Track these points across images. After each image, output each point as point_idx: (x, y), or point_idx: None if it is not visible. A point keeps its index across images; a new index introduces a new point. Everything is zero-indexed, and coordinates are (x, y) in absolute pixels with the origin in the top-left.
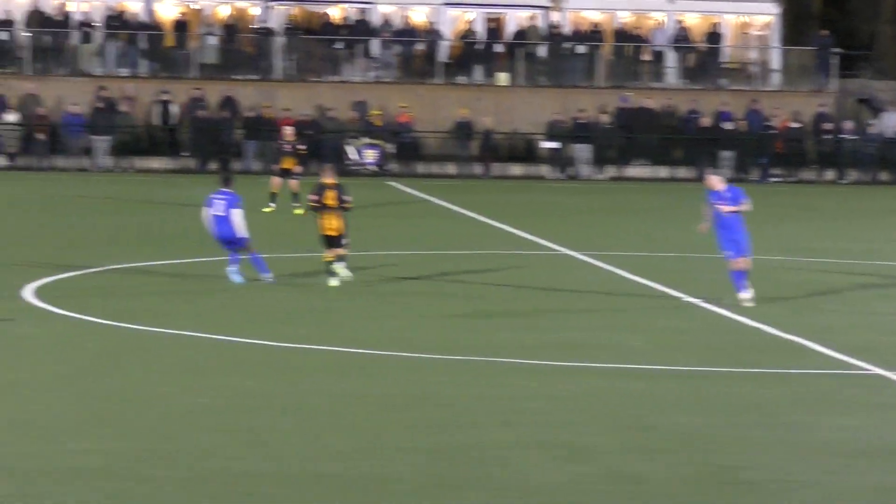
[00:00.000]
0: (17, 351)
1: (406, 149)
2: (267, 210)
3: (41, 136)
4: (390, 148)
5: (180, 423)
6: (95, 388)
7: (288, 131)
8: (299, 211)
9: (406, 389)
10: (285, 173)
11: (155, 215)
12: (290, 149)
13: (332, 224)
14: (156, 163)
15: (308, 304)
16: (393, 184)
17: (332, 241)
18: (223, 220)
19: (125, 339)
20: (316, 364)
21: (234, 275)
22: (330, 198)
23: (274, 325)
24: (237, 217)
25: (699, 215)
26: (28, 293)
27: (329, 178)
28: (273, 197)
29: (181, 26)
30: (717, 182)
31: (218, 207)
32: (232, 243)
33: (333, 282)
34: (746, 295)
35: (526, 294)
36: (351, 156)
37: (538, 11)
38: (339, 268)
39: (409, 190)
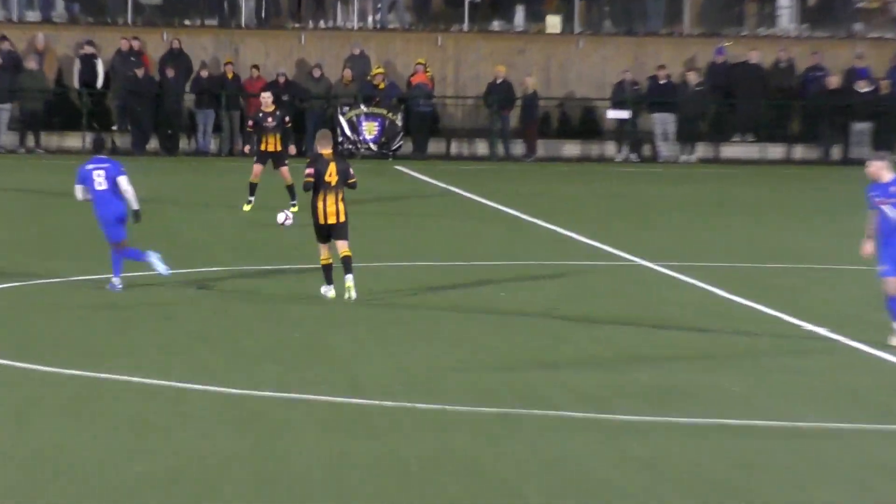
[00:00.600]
0: None
1: (420, 120)
2: (246, 208)
3: None
4: (398, 120)
5: (124, 498)
6: (6, 450)
7: (267, 97)
8: (247, 207)
9: (420, 450)
10: (268, 157)
11: (72, 213)
12: (271, 122)
13: (332, 208)
14: (75, 140)
15: (286, 336)
16: (402, 169)
17: (334, 231)
18: (108, 196)
19: (37, 384)
20: (298, 417)
21: (159, 263)
22: (331, 173)
23: (242, 363)
24: (127, 185)
25: (828, 212)
26: None
27: (326, 149)
28: (253, 189)
29: None
30: (883, 170)
31: (98, 181)
32: (122, 223)
33: (330, 292)
34: None
35: (583, 321)
36: (345, 130)
37: None
38: (347, 281)
39: (423, 177)
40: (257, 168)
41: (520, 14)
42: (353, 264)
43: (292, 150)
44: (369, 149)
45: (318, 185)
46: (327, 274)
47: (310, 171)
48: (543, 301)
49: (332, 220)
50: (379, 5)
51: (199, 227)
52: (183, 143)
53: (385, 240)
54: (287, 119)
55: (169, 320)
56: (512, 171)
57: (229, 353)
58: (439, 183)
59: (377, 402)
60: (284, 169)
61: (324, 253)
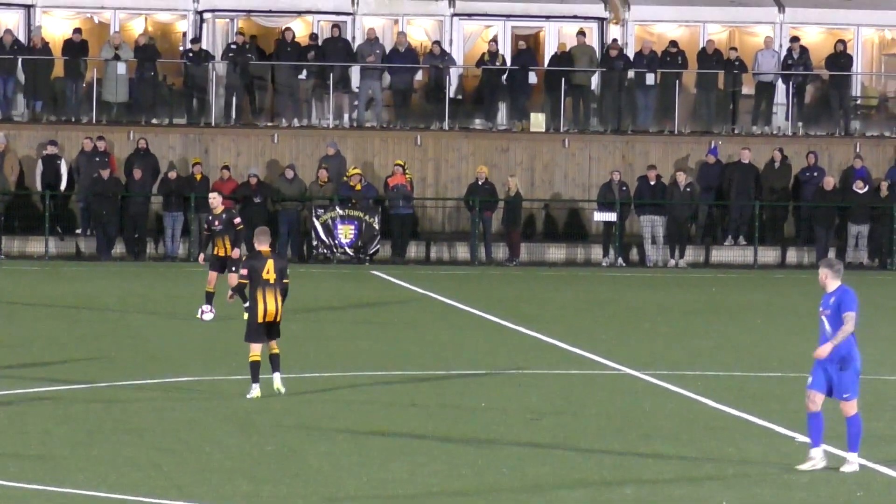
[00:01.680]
0: None
1: (399, 223)
2: (206, 317)
3: None
4: (375, 223)
5: None
6: None
7: (215, 199)
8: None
9: None
10: (221, 261)
11: (32, 321)
12: (218, 225)
13: (272, 307)
14: (37, 245)
15: (258, 448)
16: (379, 274)
17: (269, 330)
18: None
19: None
20: None
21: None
22: (269, 270)
23: (212, 478)
24: None
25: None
26: None
27: (264, 245)
28: (209, 297)
29: (76, 48)
30: (827, 279)
31: None
32: None
33: (254, 392)
34: None
35: (568, 433)
36: (319, 234)
37: (589, 24)
38: (276, 380)
39: (401, 283)
40: (211, 275)
41: (503, 112)
42: (325, 373)
43: (235, 253)
44: (345, 253)
45: (255, 283)
46: (255, 372)
47: (244, 271)
48: (526, 412)
49: (270, 319)
50: (356, 103)
51: (166, 336)
52: (150, 248)
53: (362, 348)
54: (237, 220)
55: (134, 433)
56: (494, 275)
57: (198, 466)
58: (418, 288)
59: None
60: (232, 275)
61: (254, 350)
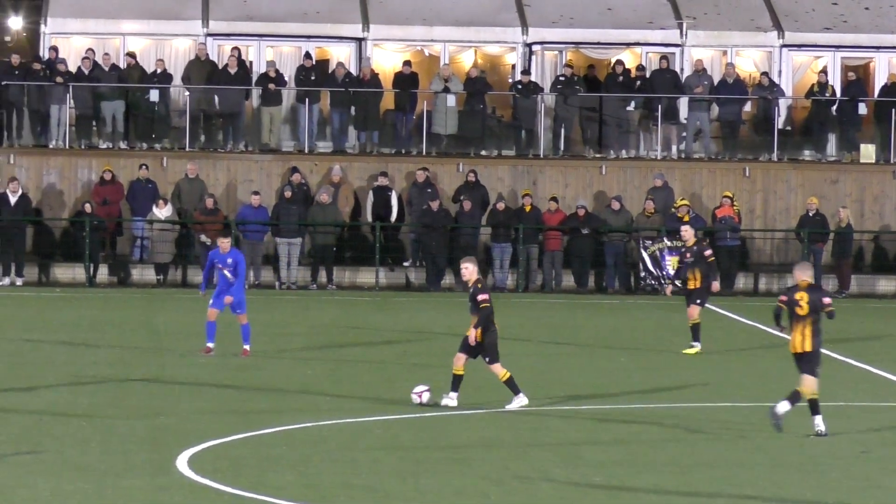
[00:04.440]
0: None
1: (727, 255)
2: (690, 352)
3: (206, 239)
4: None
5: None
6: None
7: (687, 232)
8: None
9: None
10: (688, 294)
11: (362, 350)
12: (690, 257)
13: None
14: (367, 276)
15: (583, 481)
16: (707, 305)
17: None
18: None
19: None
20: None
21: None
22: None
23: None
24: None
25: None
26: (182, 463)
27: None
28: (695, 332)
29: (406, 80)
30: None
31: None
32: None
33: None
34: None
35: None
36: (647, 265)
37: None
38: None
39: (728, 314)
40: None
41: (832, 143)
42: (654, 404)
43: (715, 287)
44: (674, 285)
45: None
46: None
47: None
48: (856, 445)
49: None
50: (683, 134)
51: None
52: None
53: (685, 378)
54: (707, 252)
55: (463, 462)
56: None
57: (525, 497)
58: (745, 320)
59: None
60: (694, 308)
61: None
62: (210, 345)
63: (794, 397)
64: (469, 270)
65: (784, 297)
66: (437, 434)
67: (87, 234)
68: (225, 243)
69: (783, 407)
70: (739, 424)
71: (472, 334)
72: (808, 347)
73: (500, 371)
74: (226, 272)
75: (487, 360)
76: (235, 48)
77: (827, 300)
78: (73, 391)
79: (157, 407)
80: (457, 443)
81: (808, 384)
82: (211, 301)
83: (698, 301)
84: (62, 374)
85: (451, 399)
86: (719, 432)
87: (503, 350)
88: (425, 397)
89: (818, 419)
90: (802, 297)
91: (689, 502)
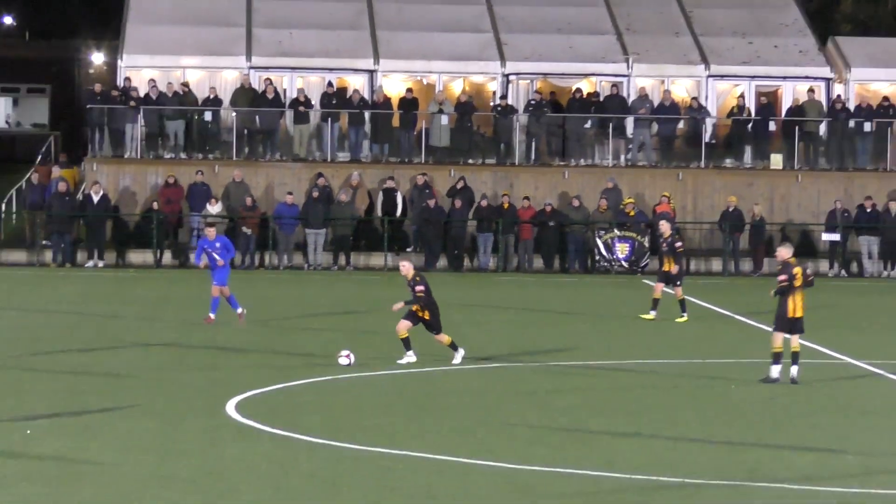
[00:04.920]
0: (222, 474)
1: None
2: (646, 317)
3: (248, 231)
4: (646, 242)
5: None
6: None
7: (664, 226)
8: (647, 316)
9: None
10: (664, 276)
11: (375, 317)
12: (665, 247)
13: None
14: (377, 260)
15: (552, 423)
16: (648, 282)
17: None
18: None
19: (344, 459)
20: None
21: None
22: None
23: (517, 444)
24: None
25: None
26: (231, 408)
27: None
28: (655, 303)
29: (409, 104)
30: None
31: None
32: None
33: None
34: None
35: (800, 407)
36: (601, 250)
37: (818, 83)
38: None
39: (667, 290)
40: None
41: (748, 153)
42: (605, 360)
43: (675, 269)
44: (621, 266)
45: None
46: (454, 346)
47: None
48: (766, 392)
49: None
50: (630, 146)
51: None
52: (466, 262)
53: (632, 341)
54: (678, 245)
55: (455, 408)
56: (741, 284)
57: (506, 434)
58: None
59: (628, 476)
60: (678, 289)
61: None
62: (212, 315)
63: (777, 358)
64: (405, 267)
65: (784, 276)
66: (435, 385)
67: (155, 227)
68: (211, 231)
69: (775, 371)
70: (675, 377)
71: (415, 309)
72: (799, 313)
73: (445, 338)
74: (215, 255)
75: (434, 332)
76: (268, 79)
77: (809, 272)
78: (145, 351)
79: (211, 364)
80: (451, 392)
81: (797, 342)
82: (213, 282)
83: (678, 283)
84: (135, 338)
85: (410, 357)
86: (659, 383)
87: (486, 319)
88: (353, 358)
89: (796, 368)
90: (798, 272)
91: (635, 441)
